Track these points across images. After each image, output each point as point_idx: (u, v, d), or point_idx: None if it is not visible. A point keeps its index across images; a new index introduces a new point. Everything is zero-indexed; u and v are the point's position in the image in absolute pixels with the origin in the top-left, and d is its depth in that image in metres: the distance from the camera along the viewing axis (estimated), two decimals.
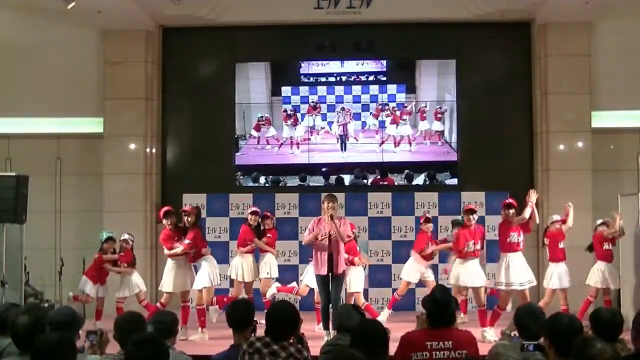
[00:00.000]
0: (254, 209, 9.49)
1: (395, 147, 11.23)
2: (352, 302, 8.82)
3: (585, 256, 9.53)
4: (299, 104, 11.34)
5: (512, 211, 8.12)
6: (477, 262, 8.34)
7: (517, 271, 8.05)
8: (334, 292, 7.92)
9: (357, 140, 11.28)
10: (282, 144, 11.32)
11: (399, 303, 9.27)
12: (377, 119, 11.26)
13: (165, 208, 8.85)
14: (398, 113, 11.22)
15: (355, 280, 8.75)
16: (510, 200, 8.25)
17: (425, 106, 11.25)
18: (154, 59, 11.38)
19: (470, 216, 8.30)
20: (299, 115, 11.32)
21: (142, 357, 3.43)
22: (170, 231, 8.57)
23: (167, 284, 8.52)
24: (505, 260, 8.10)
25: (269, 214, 9.62)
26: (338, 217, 8.03)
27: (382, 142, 11.22)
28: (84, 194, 11.27)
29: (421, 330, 4.57)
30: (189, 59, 11.63)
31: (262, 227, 9.34)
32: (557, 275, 8.77)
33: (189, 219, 8.53)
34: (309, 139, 11.29)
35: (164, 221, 8.64)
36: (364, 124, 11.29)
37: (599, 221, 9.07)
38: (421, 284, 9.25)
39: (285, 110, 11.31)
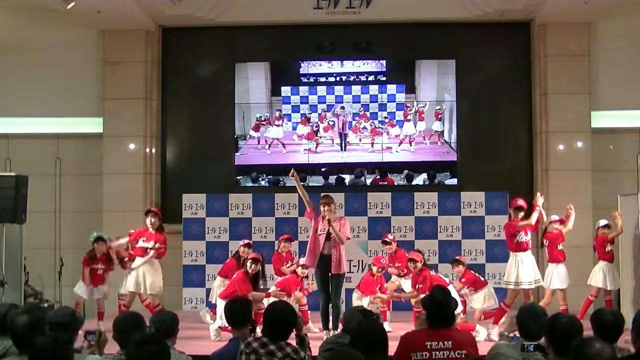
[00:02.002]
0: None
1: (398, 146, 11.25)
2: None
3: (586, 256, 9.56)
4: (299, 104, 11.34)
5: (521, 214, 8.11)
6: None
7: (526, 270, 8.07)
8: (333, 292, 7.92)
9: (361, 141, 11.28)
10: (270, 144, 11.30)
11: (399, 303, 9.25)
12: (367, 121, 11.29)
13: (155, 209, 8.97)
14: (395, 120, 11.25)
15: None
16: (521, 203, 8.18)
17: (424, 106, 11.25)
18: (154, 59, 11.38)
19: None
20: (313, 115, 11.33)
21: (143, 357, 3.42)
22: (145, 231, 8.59)
23: (130, 283, 8.59)
24: (515, 260, 8.12)
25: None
26: (337, 218, 8.02)
27: (372, 144, 11.28)
28: (83, 194, 11.27)
29: (421, 331, 4.58)
30: (188, 59, 11.63)
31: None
32: (556, 276, 8.78)
33: (254, 266, 8.19)
34: (313, 136, 11.30)
35: (148, 219, 8.65)
36: (364, 128, 11.32)
37: (601, 223, 9.07)
38: None
39: (279, 110, 11.29)
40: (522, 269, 8.06)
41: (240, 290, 7.96)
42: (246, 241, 9.22)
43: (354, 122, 11.30)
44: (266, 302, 7.85)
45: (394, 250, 9.14)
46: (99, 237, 9.00)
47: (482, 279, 9.02)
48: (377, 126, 11.25)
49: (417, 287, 8.20)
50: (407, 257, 8.50)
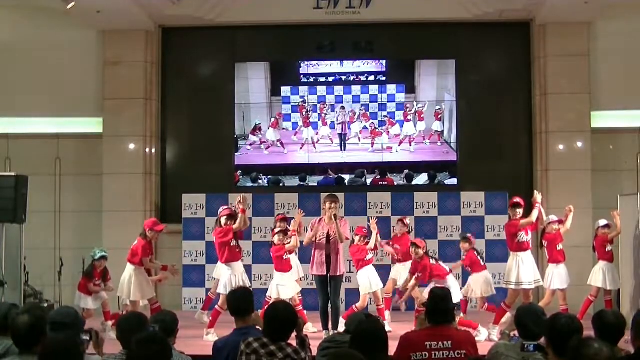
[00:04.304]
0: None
1: (398, 146, 11.24)
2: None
3: (586, 256, 9.56)
4: (299, 104, 11.35)
5: (519, 211, 8.10)
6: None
7: (527, 270, 8.07)
8: (332, 293, 7.92)
9: (360, 141, 11.27)
10: (269, 146, 11.30)
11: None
12: (367, 122, 11.28)
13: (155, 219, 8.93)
14: (395, 121, 11.26)
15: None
16: (518, 200, 8.20)
17: (424, 106, 11.25)
18: (154, 59, 11.38)
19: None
20: (313, 113, 11.32)
21: (146, 356, 3.42)
22: (149, 245, 8.53)
23: (135, 293, 8.44)
24: (515, 260, 8.13)
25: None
26: (339, 218, 8.03)
27: (372, 144, 11.26)
28: (83, 194, 11.26)
29: (421, 331, 4.58)
30: (188, 59, 11.64)
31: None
32: (556, 276, 8.77)
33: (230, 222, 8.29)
34: (311, 137, 11.30)
35: (151, 233, 8.51)
36: (365, 128, 11.31)
37: (601, 223, 9.07)
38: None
39: (276, 116, 11.28)
40: (523, 269, 8.07)
41: (227, 237, 8.13)
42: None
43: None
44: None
45: (402, 233, 9.16)
46: (103, 256, 8.80)
47: (483, 263, 8.91)
48: (376, 127, 11.25)
49: (417, 275, 8.15)
50: (411, 241, 8.45)
